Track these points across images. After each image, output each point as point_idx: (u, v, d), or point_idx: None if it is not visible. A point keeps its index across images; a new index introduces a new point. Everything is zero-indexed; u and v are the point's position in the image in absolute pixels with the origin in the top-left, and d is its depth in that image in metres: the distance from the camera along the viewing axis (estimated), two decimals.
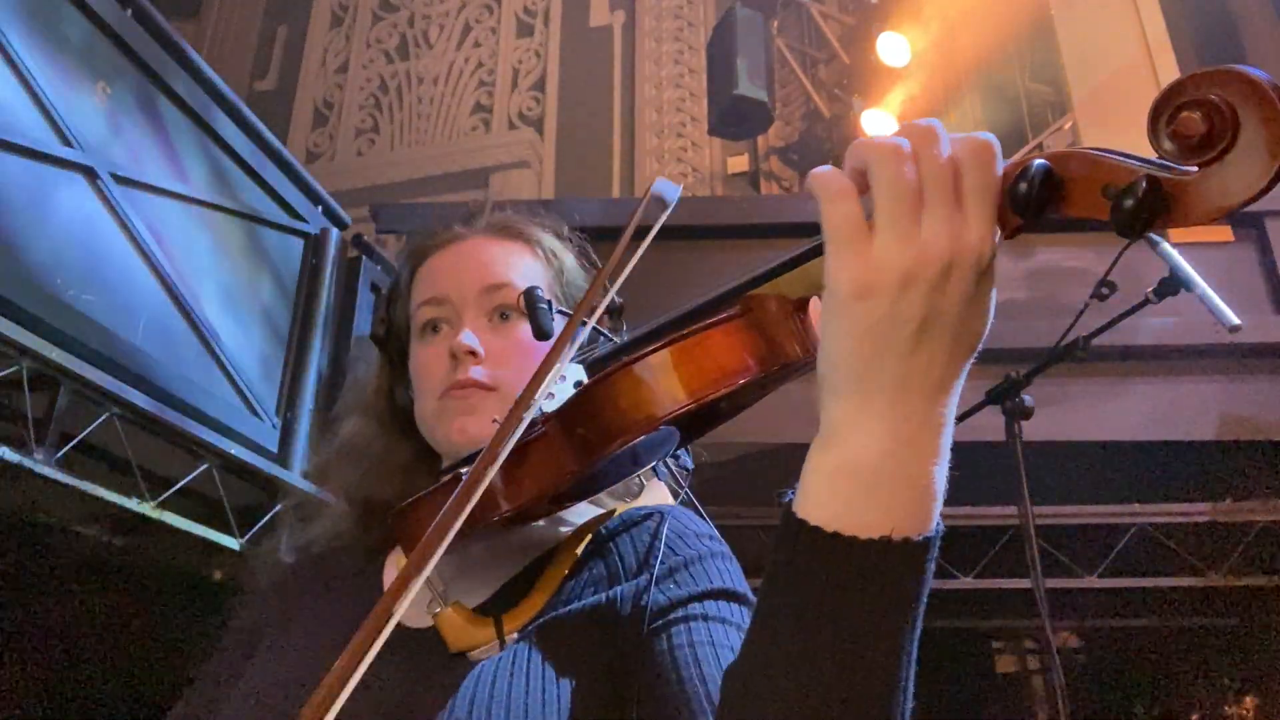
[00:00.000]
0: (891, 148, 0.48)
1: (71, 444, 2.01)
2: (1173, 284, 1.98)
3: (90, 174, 2.21)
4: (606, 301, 0.70)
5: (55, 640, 2.52)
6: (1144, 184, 0.45)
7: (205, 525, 2.38)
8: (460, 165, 6.88)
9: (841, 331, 0.49)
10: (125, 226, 2.31)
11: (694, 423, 0.69)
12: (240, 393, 2.66)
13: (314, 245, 3.15)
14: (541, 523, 0.84)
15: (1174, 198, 0.45)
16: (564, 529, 0.84)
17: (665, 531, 0.78)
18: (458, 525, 0.57)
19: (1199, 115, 0.44)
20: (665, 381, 0.59)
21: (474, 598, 0.79)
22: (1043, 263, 3.08)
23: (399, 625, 0.79)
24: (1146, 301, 2.03)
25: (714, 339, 0.59)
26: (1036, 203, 0.48)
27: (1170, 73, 4.91)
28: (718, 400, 0.59)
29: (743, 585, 0.76)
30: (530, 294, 0.81)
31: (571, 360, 0.70)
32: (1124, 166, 0.47)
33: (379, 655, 0.76)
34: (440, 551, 0.56)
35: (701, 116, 6.86)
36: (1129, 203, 0.45)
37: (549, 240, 0.96)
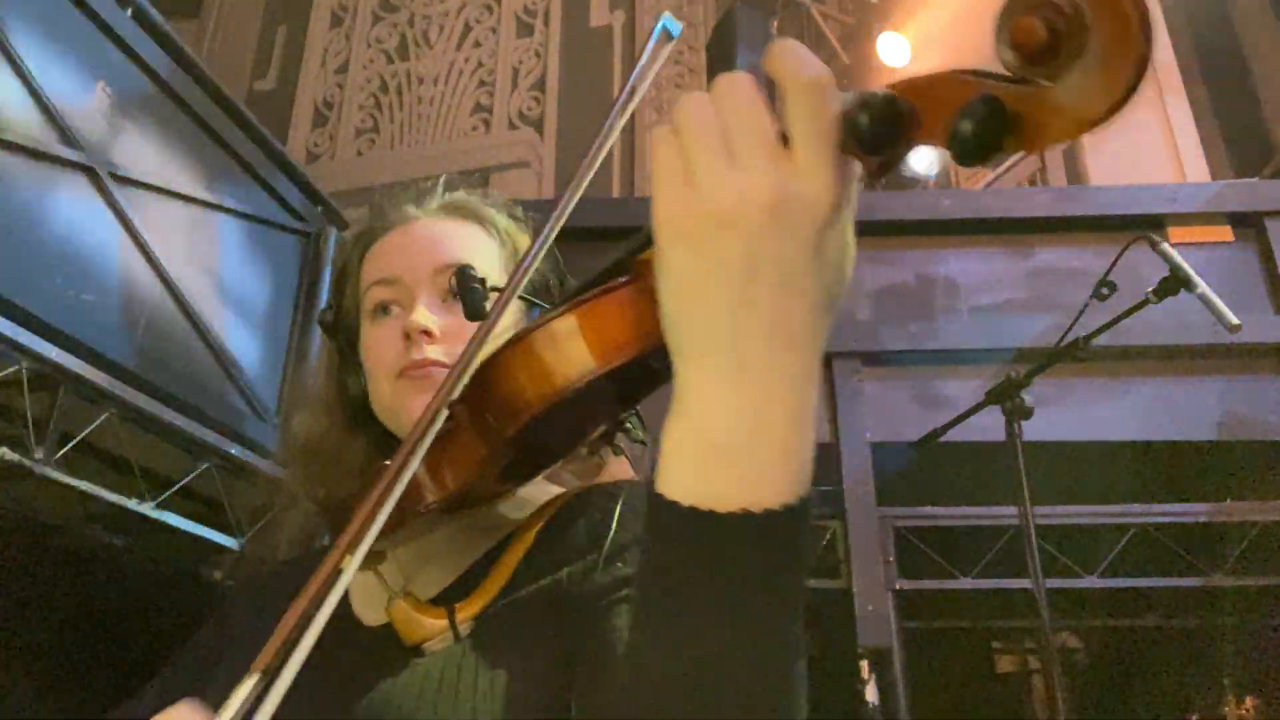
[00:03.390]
0: (691, 95, 0.47)
1: (71, 444, 2.01)
2: (1173, 284, 1.99)
3: (90, 174, 2.21)
4: (527, 275, 0.67)
5: (54, 640, 2.52)
6: (980, 104, 0.40)
7: (205, 525, 2.38)
8: (460, 165, 6.88)
9: (669, 283, 0.47)
10: (125, 226, 2.31)
11: (616, 392, 0.67)
12: (240, 393, 2.66)
13: (314, 245, 3.15)
14: (500, 506, 0.83)
15: (1022, 116, 0.41)
16: (523, 512, 0.82)
17: (619, 509, 0.76)
18: (381, 520, 0.55)
19: (1039, 21, 0.39)
20: (556, 355, 0.57)
21: (432, 588, 0.78)
22: (1043, 263, 3.08)
23: (355, 623, 0.79)
24: (1146, 301, 2.03)
25: (603, 307, 0.57)
26: (884, 136, 0.44)
27: (1170, 73, 4.91)
28: (617, 369, 0.56)
29: None
30: (462, 273, 0.78)
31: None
32: (966, 83, 0.42)
33: (331, 653, 0.76)
34: (364, 548, 0.54)
35: None
36: (966, 125, 0.40)
37: (503, 220, 0.94)
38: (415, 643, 0.70)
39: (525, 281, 0.90)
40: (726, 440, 0.46)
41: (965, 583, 2.70)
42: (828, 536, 2.75)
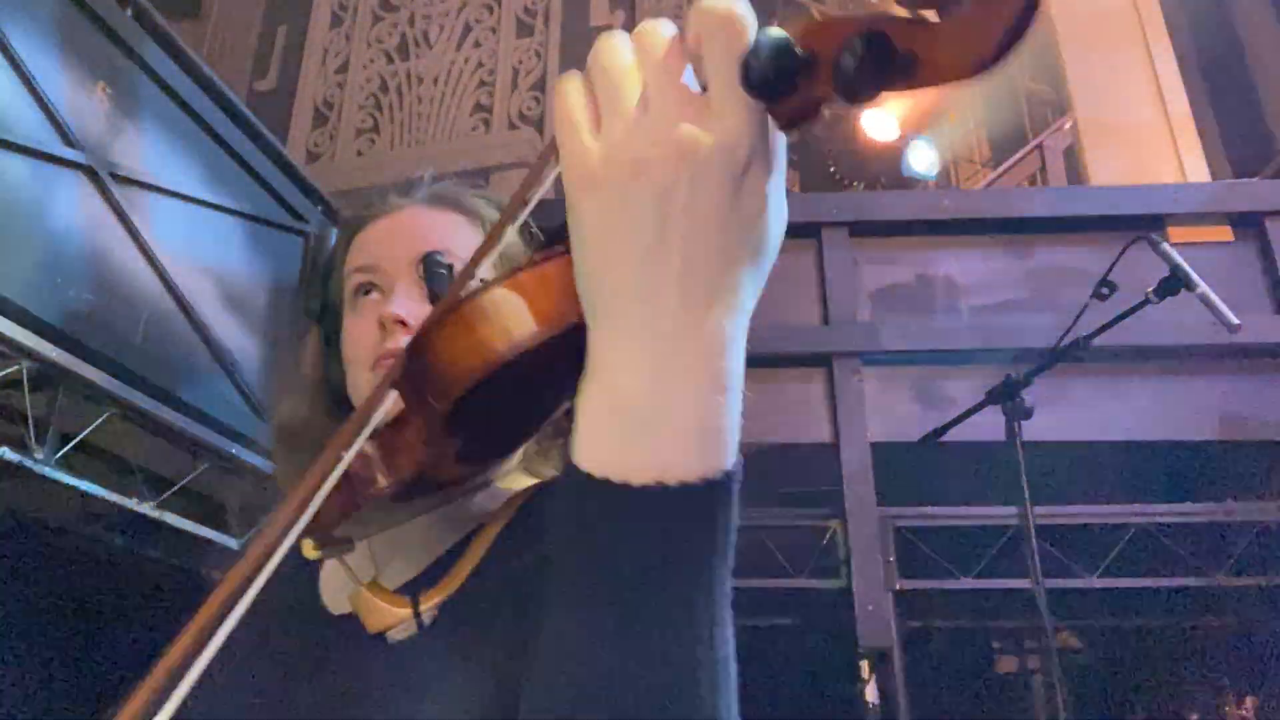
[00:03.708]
0: (606, 37, 0.44)
1: (71, 444, 2.02)
2: (1173, 284, 1.99)
3: (91, 174, 2.22)
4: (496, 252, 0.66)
5: (54, 639, 2.52)
6: (862, 40, 0.39)
7: (205, 525, 2.39)
8: (460, 165, 6.88)
9: (579, 237, 0.45)
10: (126, 226, 2.31)
11: (571, 368, 0.68)
12: (240, 392, 2.66)
13: (314, 245, 3.15)
14: (475, 498, 0.83)
15: (911, 54, 0.39)
16: (497, 503, 0.81)
17: None
18: (317, 501, 0.54)
19: None
20: (486, 327, 0.55)
21: (401, 577, 0.78)
22: (1043, 263, 3.08)
23: (323, 613, 0.79)
24: (1146, 301, 2.03)
25: (535, 277, 0.55)
26: (776, 81, 0.41)
27: (1170, 73, 4.91)
28: (553, 341, 0.54)
29: None
30: (428, 259, 0.77)
31: None
32: (856, 21, 0.41)
33: (295, 642, 0.75)
34: (298, 529, 0.53)
35: None
36: (848, 60, 0.39)
37: (488, 211, 0.92)
38: (379, 631, 0.69)
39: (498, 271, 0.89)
40: (637, 403, 0.44)
41: (965, 583, 2.70)
42: (828, 536, 2.75)
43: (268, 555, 0.51)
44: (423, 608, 0.70)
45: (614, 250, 0.43)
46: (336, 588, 0.80)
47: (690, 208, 0.42)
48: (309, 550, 0.80)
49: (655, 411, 0.44)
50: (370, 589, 0.71)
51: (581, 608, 0.47)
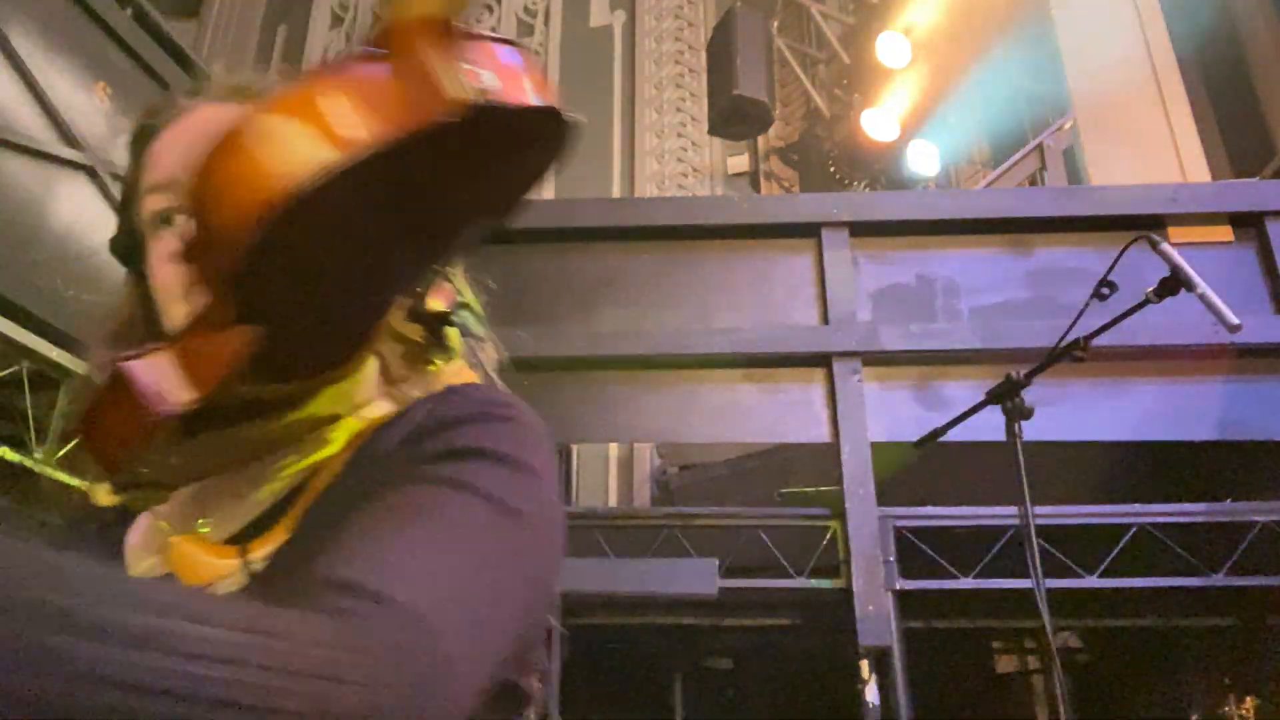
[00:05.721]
0: None
1: (72, 444, 2.01)
2: (1173, 284, 1.98)
3: (91, 174, 2.22)
4: None
5: None
6: None
7: None
8: None
9: None
10: None
11: (387, 228, 0.52)
12: None
13: None
14: (311, 434, 0.70)
15: None
16: (331, 435, 0.70)
17: (442, 408, 0.65)
18: None
19: None
20: (269, 152, 0.42)
21: (225, 532, 0.68)
22: (1043, 263, 3.08)
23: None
24: (1146, 301, 2.03)
25: (333, 86, 0.43)
26: None
27: (1170, 73, 4.91)
28: (359, 172, 0.43)
29: (513, 447, 0.61)
30: None
31: None
32: None
33: None
34: None
35: (701, 116, 6.86)
36: None
37: None
38: (200, 585, 0.61)
39: None
40: None
41: (965, 583, 2.70)
42: (828, 536, 2.75)
43: None
44: (251, 556, 0.61)
45: None
46: (145, 549, 0.69)
47: None
48: (104, 496, 0.70)
49: None
50: (188, 540, 0.63)
51: None
